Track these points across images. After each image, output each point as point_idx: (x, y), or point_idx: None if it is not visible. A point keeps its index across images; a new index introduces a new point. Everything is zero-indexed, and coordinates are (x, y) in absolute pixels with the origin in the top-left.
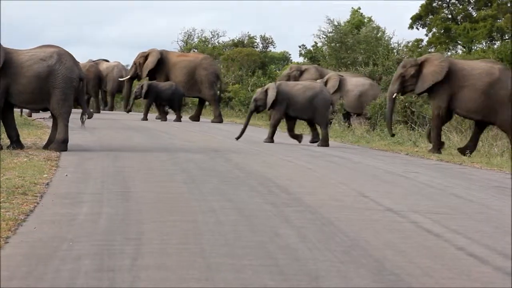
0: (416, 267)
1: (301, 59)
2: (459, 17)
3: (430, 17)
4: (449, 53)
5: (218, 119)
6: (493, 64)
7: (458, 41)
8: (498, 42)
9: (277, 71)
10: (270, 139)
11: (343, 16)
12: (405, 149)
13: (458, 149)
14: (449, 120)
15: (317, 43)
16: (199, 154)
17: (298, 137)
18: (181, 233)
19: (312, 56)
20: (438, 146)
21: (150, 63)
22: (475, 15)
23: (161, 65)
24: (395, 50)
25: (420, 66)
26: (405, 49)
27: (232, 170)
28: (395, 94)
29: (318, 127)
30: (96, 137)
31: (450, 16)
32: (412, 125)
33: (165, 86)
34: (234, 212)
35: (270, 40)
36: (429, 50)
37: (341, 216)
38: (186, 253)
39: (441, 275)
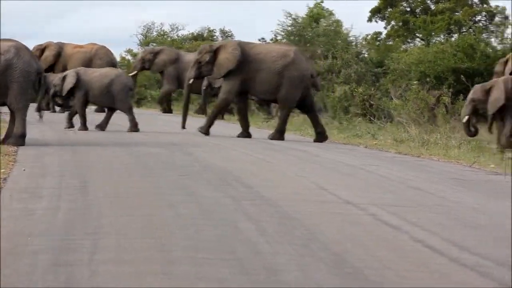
0: (376, 260)
1: None
2: (417, 10)
3: (389, 10)
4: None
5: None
6: (287, 46)
7: (417, 34)
8: (456, 35)
9: None
10: (83, 126)
11: (302, 10)
12: (364, 142)
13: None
14: (243, 106)
15: (276, 37)
16: (158, 148)
17: (102, 127)
18: (140, 227)
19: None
20: (246, 131)
21: (49, 56)
22: (433, 8)
23: (58, 57)
24: (353, 43)
25: (215, 53)
26: (363, 42)
27: (191, 164)
28: (191, 80)
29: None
30: (54, 131)
31: (409, 9)
32: (371, 118)
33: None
34: (193, 205)
35: (230, 33)
36: (388, 42)
37: (300, 209)
38: (145, 247)
39: (400, 267)
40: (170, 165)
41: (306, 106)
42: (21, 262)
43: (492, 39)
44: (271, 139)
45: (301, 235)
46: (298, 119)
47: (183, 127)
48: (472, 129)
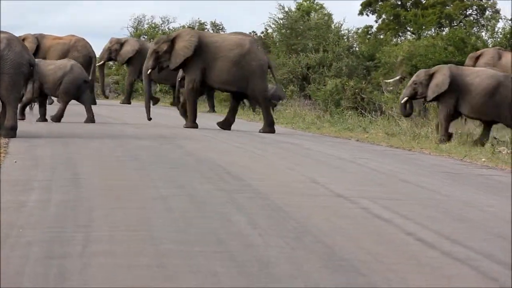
0: (366, 253)
1: None
2: (408, 4)
3: (380, 3)
4: (399, 39)
5: (93, 102)
6: (243, 36)
7: (408, 28)
8: (447, 28)
9: None
10: (42, 116)
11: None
12: (355, 135)
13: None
14: (202, 94)
15: (267, 30)
16: (149, 141)
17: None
18: (132, 220)
19: (263, 42)
20: (193, 120)
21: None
22: (424, 2)
23: (37, 49)
24: (345, 37)
25: (172, 42)
26: (355, 36)
27: (183, 157)
28: (149, 70)
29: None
30: (45, 124)
31: (399, 3)
32: (362, 111)
33: None
34: (185, 198)
35: (221, 26)
36: (379, 36)
37: (291, 202)
38: (137, 240)
39: (391, 260)
40: (161, 158)
41: (241, 95)
42: (13, 254)
43: (483, 33)
44: (262, 132)
45: (292, 228)
46: (289, 112)
47: (149, 118)
48: (409, 110)
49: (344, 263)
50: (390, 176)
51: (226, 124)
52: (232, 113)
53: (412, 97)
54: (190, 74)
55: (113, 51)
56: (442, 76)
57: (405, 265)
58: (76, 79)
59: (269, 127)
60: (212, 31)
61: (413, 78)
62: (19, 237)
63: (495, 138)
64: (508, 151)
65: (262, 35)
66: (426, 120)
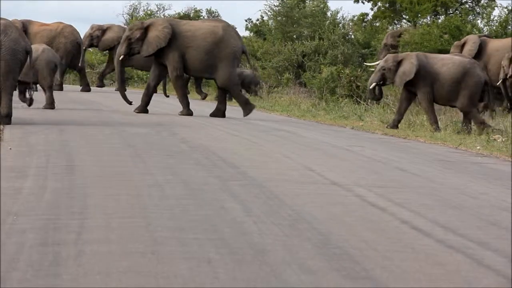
0: (361, 241)
1: (247, 33)
2: None
3: None
4: (395, 27)
5: (86, 88)
6: (216, 23)
7: (403, 15)
8: (443, 16)
9: None
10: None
11: None
12: (351, 123)
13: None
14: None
15: (263, 17)
16: (144, 128)
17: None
18: (126, 207)
19: (258, 29)
20: (186, 106)
21: None
22: None
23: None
24: (340, 24)
25: (146, 30)
26: (350, 23)
27: (177, 144)
28: (121, 56)
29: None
30: (40, 111)
31: None
32: (358, 99)
33: None
34: (179, 186)
35: (216, 13)
36: (375, 24)
37: (286, 190)
38: (132, 227)
39: (386, 248)
40: (157, 145)
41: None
42: (8, 241)
43: (479, 21)
44: (245, 115)
45: (287, 215)
46: (285, 99)
47: (129, 103)
48: (378, 95)
49: (338, 250)
50: (385, 164)
51: (218, 113)
52: (220, 100)
53: (381, 82)
54: (171, 63)
55: (95, 37)
56: (409, 64)
57: (399, 252)
58: (49, 62)
59: (246, 105)
60: (207, 18)
61: (381, 63)
62: (14, 224)
63: (489, 126)
64: (503, 139)
65: (257, 22)
66: (421, 108)
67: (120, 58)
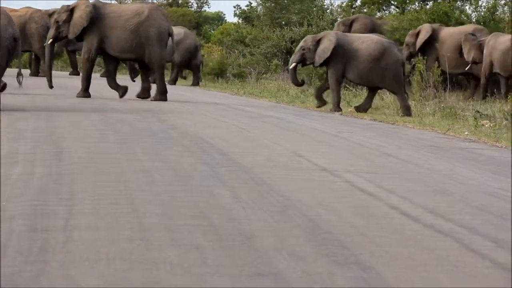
0: (351, 226)
1: (235, 19)
2: None
3: None
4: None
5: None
6: (143, 4)
7: (392, 1)
8: (431, 2)
9: (212, 31)
10: None
11: None
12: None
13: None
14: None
15: (251, 3)
16: (132, 114)
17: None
18: (114, 193)
19: (247, 16)
20: (85, 89)
21: None
22: None
23: None
24: (328, 11)
25: (71, 12)
26: (339, 9)
27: (166, 130)
28: (50, 40)
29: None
30: (29, 97)
31: None
32: (346, 85)
33: None
34: (168, 172)
35: (205, 0)
36: (363, 10)
37: (275, 176)
38: (120, 213)
39: (375, 234)
40: (145, 131)
41: (145, 62)
42: None
43: (467, 7)
44: (154, 100)
45: (276, 201)
46: (273, 86)
47: (50, 86)
48: (301, 82)
49: (328, 236)
50: (374, 150)
51: (143, 93)
52: (143, 78)
53: (301, 63)
54: (86, 44)
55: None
56: (328, 41)
57: (388, 238)
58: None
59: (161, 95)
60: (196, 5)
61: (301, 43)
62: (3, 210)
63: (477, 111)
64: (491, 125)
65: (246, 8)
66: (410, 94)
67: (49, 42)
